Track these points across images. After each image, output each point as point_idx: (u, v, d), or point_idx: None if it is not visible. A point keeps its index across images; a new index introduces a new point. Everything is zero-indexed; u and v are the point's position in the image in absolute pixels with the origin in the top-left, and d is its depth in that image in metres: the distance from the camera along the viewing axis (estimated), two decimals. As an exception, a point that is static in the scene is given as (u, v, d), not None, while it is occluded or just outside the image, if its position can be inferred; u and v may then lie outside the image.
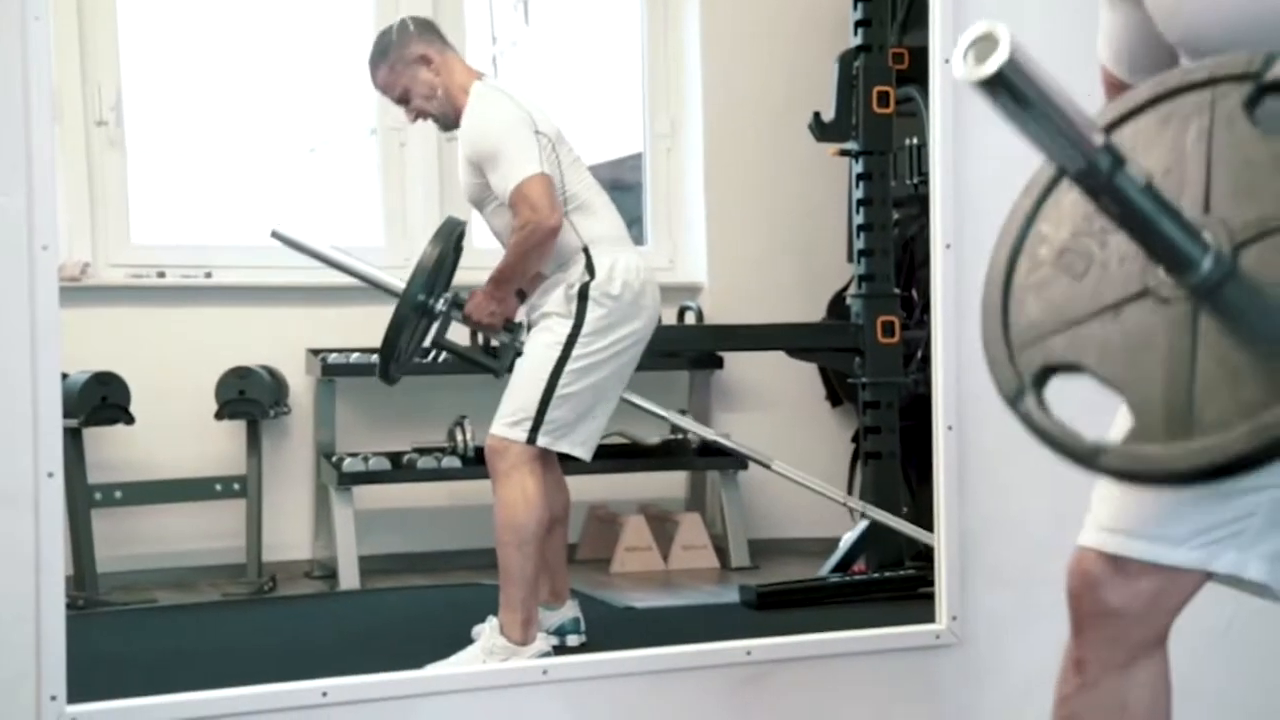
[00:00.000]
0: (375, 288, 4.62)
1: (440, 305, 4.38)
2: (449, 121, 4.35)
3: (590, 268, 4.19)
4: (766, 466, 5.34)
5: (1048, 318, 2.06)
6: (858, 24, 5.45)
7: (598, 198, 4.39)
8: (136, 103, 5.98)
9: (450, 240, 4.40)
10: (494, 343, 4.55)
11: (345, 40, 6.27)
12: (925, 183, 3.85)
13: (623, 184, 6.85)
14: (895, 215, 5.50)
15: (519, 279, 4.26)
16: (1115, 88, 2.41)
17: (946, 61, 3.74)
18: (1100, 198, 1.87)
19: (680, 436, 6.13)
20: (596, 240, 4.25)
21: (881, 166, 5.50)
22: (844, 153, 5.66)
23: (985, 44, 1.73)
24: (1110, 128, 2.10)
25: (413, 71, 4.32)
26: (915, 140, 5.34)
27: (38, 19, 3.07)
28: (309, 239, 4.62)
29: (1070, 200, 2.00)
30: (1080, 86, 2.19)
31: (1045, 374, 2.04)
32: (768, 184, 6.56)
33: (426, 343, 4.52)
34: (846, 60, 5.55)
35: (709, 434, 5.58)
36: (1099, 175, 1.84)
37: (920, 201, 4.25)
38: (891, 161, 5.51)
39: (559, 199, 4.17)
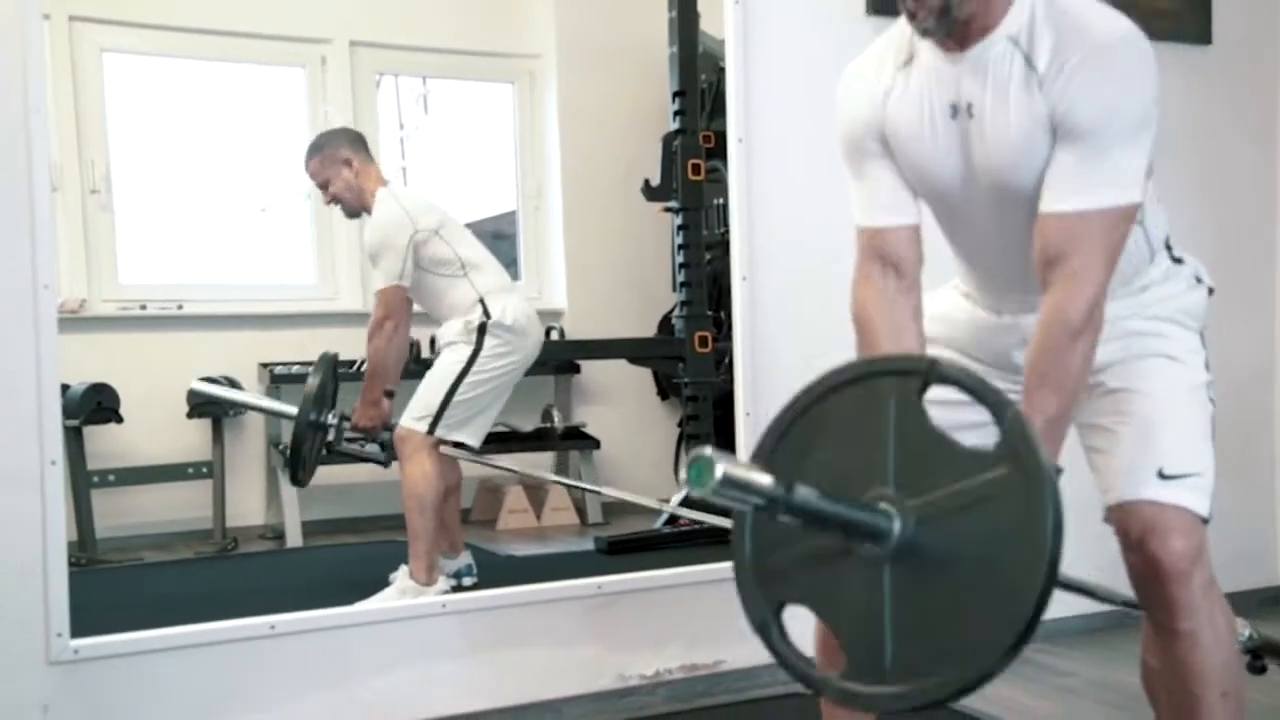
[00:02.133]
0: (275, 416, 4.71)
1: (331, 419, 4.38)
2: (353, 211, 4.35)
3: (486, 311, 4.19)
4: (597, 492, 5.38)
5: (784, 565, 2.00)
6: (676, 113, 5.46)
7: (484, 257, 4.36)
8: (122, 174, 5.91)
9: (328, 370, 4.41)
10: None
11: (284, 124, 6.23)
12: (727, 231, 3.86)
13: (502, 234, 6.83)
14: (707, 256, 5.50)
15: (382, 378, 4.29)
16: (870, 252, 2.31)
17: (739, 140, 3.79)
18: (789, 515, 1.84)
19: (548, 425, 6.13)
20: (489, 291, 4.25)
21: (696, 220, 5.52)
22: (668, 209, 5.68)
23: (706, 464, 1.71)
24: (819, 397, 2.04)
25: (337, 169, 4.28)
26: (720, 200, 5.37)
27: (37, 112, 3.04)
28: (220, 391, 4.86)
29: None
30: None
31: (780, 606, 2.00)
32: (611, 233, 6.56)
33: (330, 447, 4.51)
34: (668, 140, 5.58)
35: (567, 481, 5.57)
36: (778, 505, 1.81)
37: (724, 245, 4.27)
38: (703, 216, 5.52)
39: (403, 306, 4.26)
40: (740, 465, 1.73)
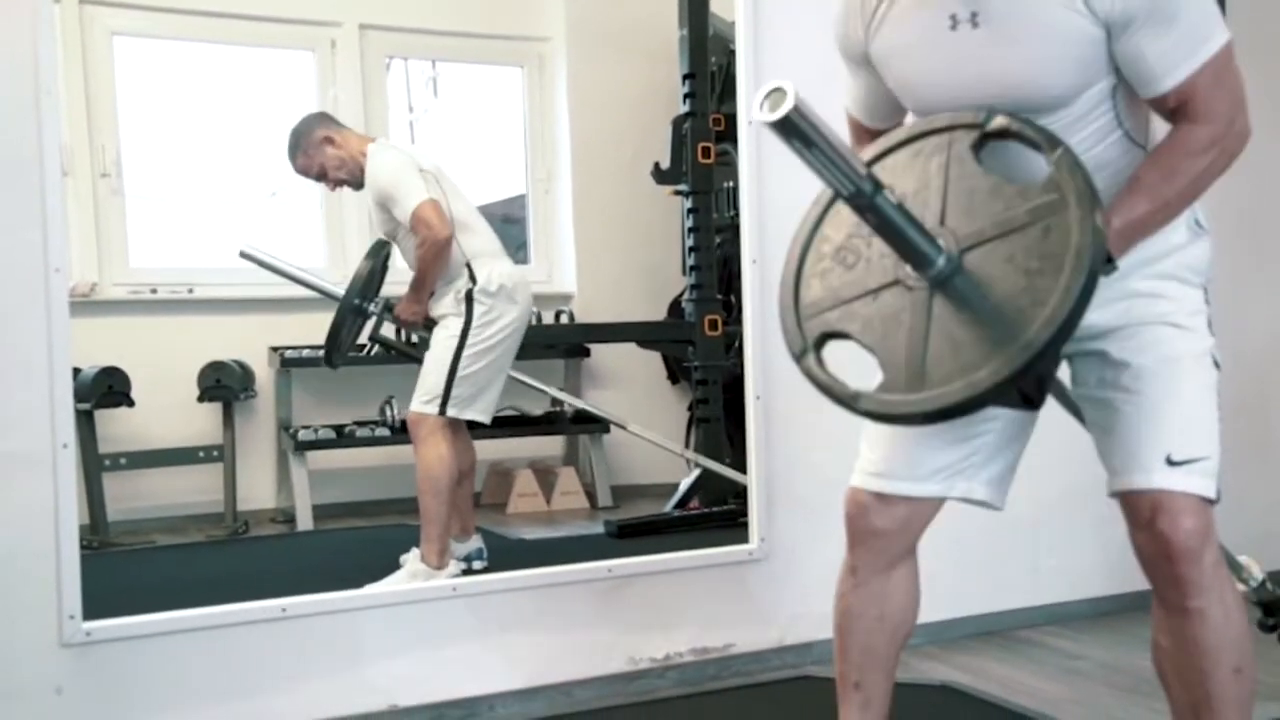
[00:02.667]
0: (321, 294, 4.58)
1: (372, 308, 4.35)
2: (358, 182, 4.30)
3: (472, 276, 4.17)
4: (623, 428, 5.35)
5: (826, 297, 2.11)
6: (686, 95, 5.45)
7: (474, 219, 4.35)
8: (132, 158, 5.91)
9: (379, 257, 4.37)
10: (413, 338, 4.55)
11: (294, 107, 6.22)
12: (737, 215, 3.85)
13: (512, 218, 6.83)
14: (716, 240, 5.50)
15: (430, 284, 4.22)
16: (861, 131, 2.40)
17: (750, 123, 3.79)
18: (865, 213, 1.92)
19: (559, 409, 6.13)
20: (476, 254, 4.23)
21: (706, 203, 5.50)
22: (678, 193, 5.67)
23: (777, 95, 1.77)
24: (874, 161, 2.15)
25: (321, 151, 4.28)
26: (730, 183, 5.36)
27: (48, 94, 3.04)
28: (271, 257, 4.59)
29: (845, 212, 2.03)
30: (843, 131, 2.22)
31: (823, 339, 2.09)
32: (621, 217, 6.55)
33: (364, 338, 4.54)
34: (678, 123, 5.57)
35: (581, 404, 5.57)
36: (864, 197, 1.88)
37: (734, 229, 4.28)
38: (713, 199, 5.51)
39: (447, 216, 4.16)
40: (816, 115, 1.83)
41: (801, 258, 2.17)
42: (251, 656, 3.31)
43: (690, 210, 5.55)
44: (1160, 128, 2.16)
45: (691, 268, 5.57)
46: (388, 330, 4.56)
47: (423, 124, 6.85)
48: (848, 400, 2.03)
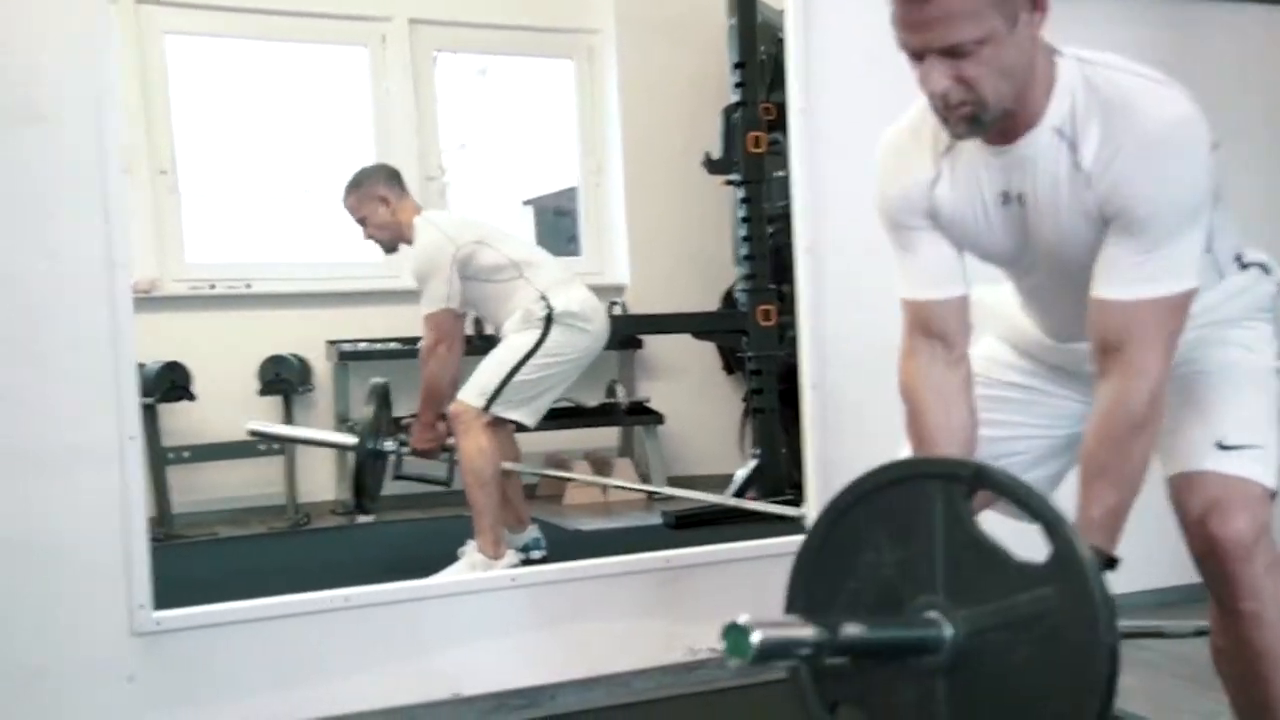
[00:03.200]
0: (336, 448, 4.90)
1: (389, 445, 4.47)
2: (390, 247, 4.42)
3: (549, 305, 4.21)
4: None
5: (840, 666, 1.96)
6: (736, 85, 5.44)
7: (536, 254, 4.43)
8: (188, 156, 5.99)
9: (380, 400, 4.54)
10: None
11: (347, 102, 6.28)
12: (789, 203, 3.85)
13: (563, 210, 6.87)
14: (769, 229, 5.49)
15: (435, 402, 4.33)
16: (916, 325, 2.28)
17: (801, 111, 3.77)
18: (839, 655, 1.83)
19: (613, 400, 6.15)
20: (549, 286, 4.27)
21: (757, 192, 5.49)
22: (729, 183, 5.66)
23: (739, 632, 1.71)
24: (867, 494, 2.01)
25: (373, 206, 4.35)
26: (781, 172, 5.35)
27: (109, 93, 3.09)
28: (278, 428, 5.02)
29: None
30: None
31: (835, 706, 1.99)
32: (673, 207, 6.56)
33: (390, 478, 4.64)
34: (729, 112, 5.57)
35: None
36: (828, 649, 1.81)
37: (785, 218, 4.26)
38: (764, 188, 5.49)
39: (451, 329, 4.29)
40: (777, 625, 1.74)
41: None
42: (315, 646, 3.35)
43: (742, 200, 5.55)
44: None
45: (744, 257, 5.57)
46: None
47: (472, 118, 6.87)
48: None
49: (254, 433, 4.79)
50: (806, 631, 1.76)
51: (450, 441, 4.32)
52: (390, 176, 4.46)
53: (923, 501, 1.90)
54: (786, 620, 1.82)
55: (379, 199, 4.35)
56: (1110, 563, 1.96)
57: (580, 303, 4.28)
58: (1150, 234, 1.96)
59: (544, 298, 4.22)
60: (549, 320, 4.20)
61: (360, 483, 4.47)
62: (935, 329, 2.22)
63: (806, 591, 2.02)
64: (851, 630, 1.79)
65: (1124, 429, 2.00)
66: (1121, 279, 2.00)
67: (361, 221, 4.38)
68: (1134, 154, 1.95)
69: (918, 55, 1.95)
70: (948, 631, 1.82)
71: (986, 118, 1.98)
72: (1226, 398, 2.17)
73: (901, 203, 2.21)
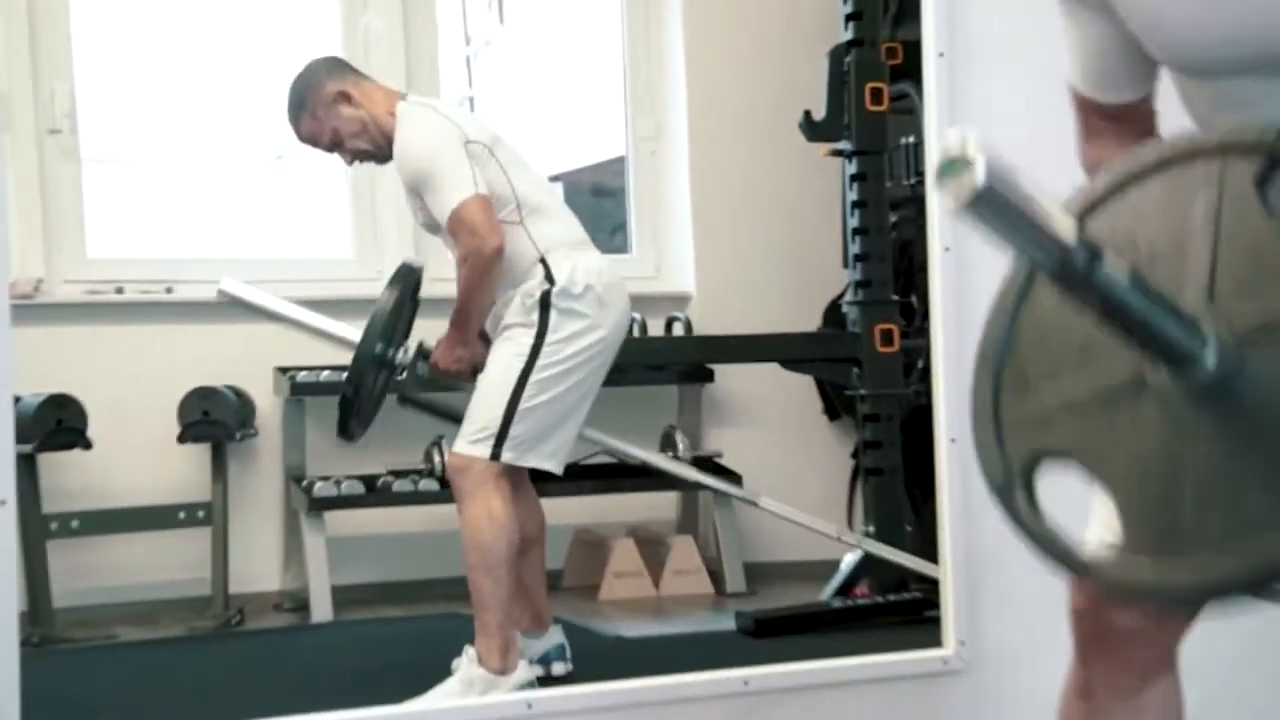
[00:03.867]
0: (333, 339, 4.68)
1: (401, 356, 4.44)
2: (385, 153, 4.36)
3: (549, 276, 4.17)
4: (753, 503, 5.36)
5: (1040, 404, 2.02)
6: (848, 18, 5.46)
7: (549, 199, 4.44)
8: (92, 110, 5.98)
9: (407, 286, 4.47)
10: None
11: (312, 41, 6.28)
12: (923, 183, 3.84)
13: (605, 189, 6.88)
14: (892, 218, 5.50)
15: (478, 315, 4.29)
16: (1091, 113, 2.38)
17: (940, 55, 3.76)
18: (1079, 293, 1.81)
19: (671, 453, 6.12)
20: (553, 246, 4.24)
21: (877, 166, 5.49)
22: (837, 153, 5.67)
23: (960, 164, 1.68)
24: (1105, 197, 2.05)
25: (335, 111, 4.33)
26: (911, 138, 5.31)
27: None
28: (256, 295, 4.70)
29: None
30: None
31: (1035, 461, 1.99)
32: (757, 187, 6.56)
33: (400, 394, 4.66)
34: (838, 56, 5.56)
35: (688, 472, 5.55)
36: (1076, 274, 1.78)
37: (918, 203, 4.26)
38: (887, 161, 5.51)
39: (496, 219, 4.17)
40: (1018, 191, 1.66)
41: (1002, 344, 2.10)
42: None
43: (855, 177, 5.55)
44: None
45: (856, 258, 5.56)
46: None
47: (482, 61, 6.90)
48: (1075, 565, 1.94)
49: (223, 292, 4.71)
50: (1066, 222, 1.70)
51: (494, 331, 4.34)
52: (336, 65, 4.52)
53: (1197, 186, 1.95)
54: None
55: (336, 97, 4.35)
56: None
57: (590, 274, 4.25)
58: None
59: (542, 261, 4.19)
60: (545, 304, 4.17)
61: (351, 398, 4.42)
62: (1113, 116, 2.33)
63: None
64: (1114, 265, 1.74)
65: None
66: None
67: (333, 144, 4.38)
68: None
69: None
70: (1212, 343, 1.80)
71: None
72: None
73: None
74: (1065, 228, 1.74)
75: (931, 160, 3.90)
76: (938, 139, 3.82)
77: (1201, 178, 1.95)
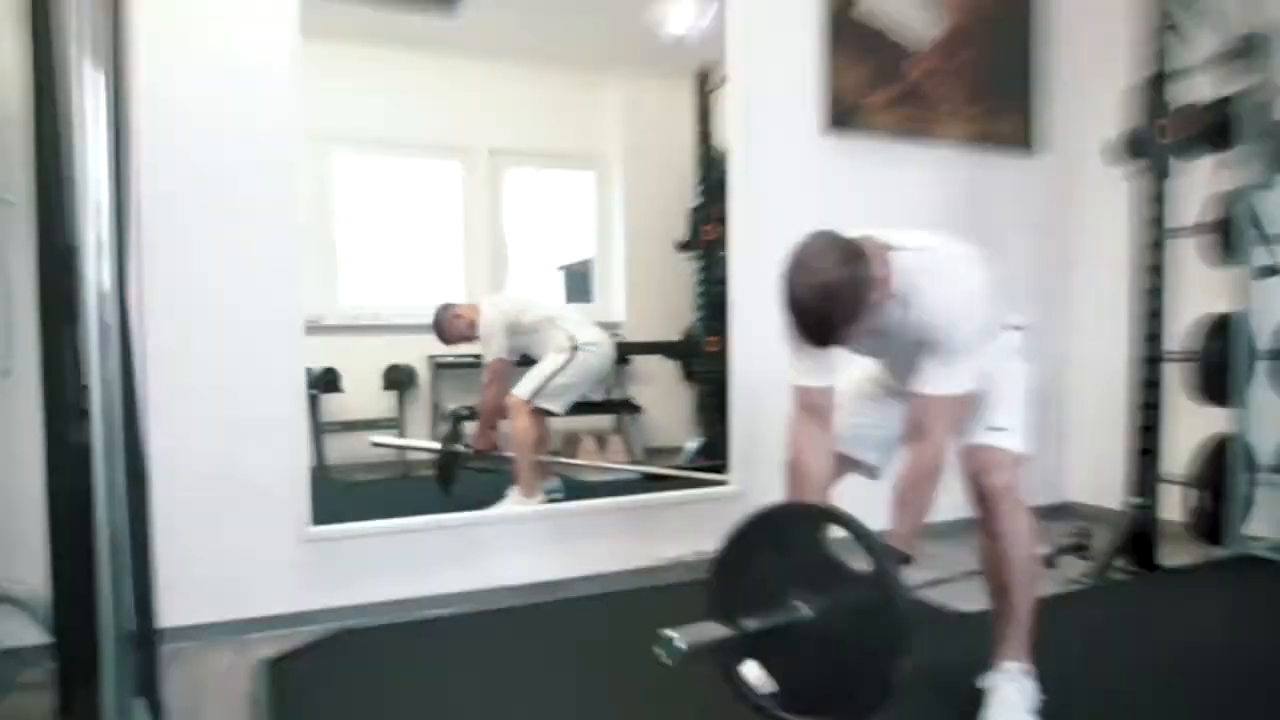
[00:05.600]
0: (428, 452, 4.78)
1: (461, 447, 4.54)
2: (474, 337, 4.50)
3: (574, 339, 4.32)
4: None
5: (736, 641, 1.96)
6: (698, 194, 5.42)
7: (565, 311, 4.52)
8: (345, 232, 5.94)
9: (454, 422, 4.65)
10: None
11: (446, 202, 6.29)
12: (726, 274, 3.85)
13: (584, 272, 6.82)
14: (715, 288, 5.29)
15: (490, 417, 4.40)
16: (803, 398, 2.24)
17: (735, 217, 3.82)
18: (738, 654, 1.90)
19: (610, 397, 6.08)
20: (574, 328, 4.39)
21: (709, 264, 5.36)
22: (692, 257, 5.60)
23: (669, 645, 1.75)
24: (761, 522, 2.04)
25: (453, 325, 4.59)
26: (724, 252, 5.31)
27: (293, 199, 3.12)
28: (396, 440, 4.99)
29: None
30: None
31: (739, 661, 2.00)
32: (656, 271, 6.39)
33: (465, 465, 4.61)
34: (693, 212, 5.54)
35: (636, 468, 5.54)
36: (733, 642, 1.87)
37: (724, 283, 4.28)
38: (713, 263, 5.30)
39: (505, 371, 4.32)
40: (696, 631, 1.76)
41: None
42: (417, 551, 3.44)
43: (699, 269, 5.56)
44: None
45: (699, 306, 5.57)
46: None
47: (527, 210, 6.84)
48: (768, 711, 1.90)
49: (376, 444, 4.86)
50: (719, 632, 1.82)
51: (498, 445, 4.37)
52: (444, 308, 4.60)
53: (793, 532, 1.94)
54: (704, 626, 1.83)
55: (455, 318, 4.51)
56: (907, 560, 2.00)
57: (595, 338, 4.37)
58: (941, 354, 2.06)
59: (571, 336, 4.31)
60: (575, 349, 4.29)
61: (444, 473, 4.50)
62: (814, 405, 2.22)
63: (720, 596, 2.01)
64: (749, 624, 1.85)
65: (923, 478, 2.07)
66: (928, 381, 2.08)
67: (461, 339, 4.53)
68: (929, 309, 2.06)
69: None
70: (808, 613, 1.88)
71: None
72: (994, 400, 2.25)
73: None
74: (721, 633, 1.81)
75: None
76: (732, 256, 3.92)
77: (798, 523, 1.97)
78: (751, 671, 1.91)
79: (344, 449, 5.67)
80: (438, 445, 4.57)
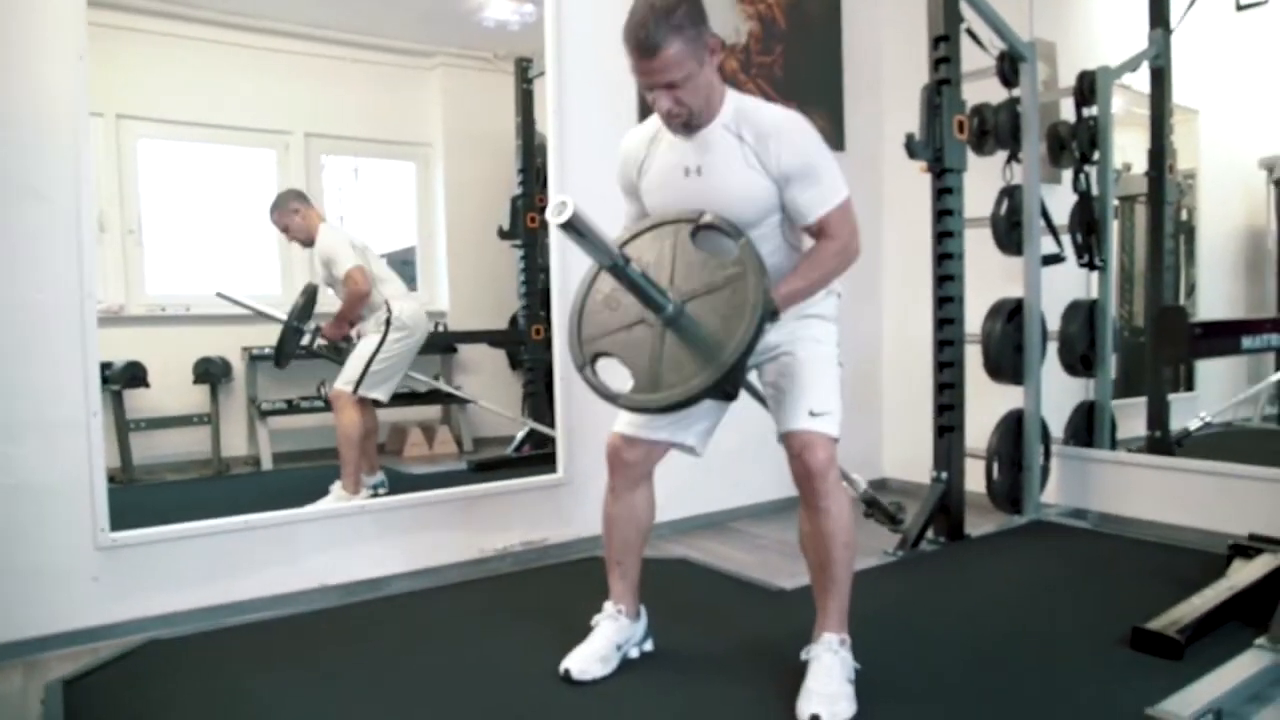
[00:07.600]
0: (272, 319, 4.51)
1: (306, 327, 4.37)
2: (307, 242, 4.35)
3: (389, 310, 4.14)
4: (474, 402, 5.35)
5: (597, 330, 2.15)
6: (520, 182, 5.37)
7: (390, 273, 4.40)
8: (150, 221, 5.64)
9: (309, 296, 4.42)
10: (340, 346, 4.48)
11: (259, 188, 6.03)
12: (549, 261, 3.86)
13: (407, 260, 6.69)
14: (540, 277, 5.41)
15: (348, 318, 4.28)
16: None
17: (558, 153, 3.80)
18: (619, 278, 1.96)
19: (437, 388, 6.05)
20: (392, 297, 4.27)
21: (532, 253, 5.37)
22: (515, 246, 5.57)
23: (562, 205, 1.81)
24: (627, 241, 2.20)
25: (290, 216, 4.34)
26: (547, 240, 5.33)
27: (86, 181, 2.94)
28: (239, 297, 4.60)
29: (608, 275, 2.08)
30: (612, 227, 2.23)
31: (595, 357, 2.13)
32: (479, 260, 6.42)
33: (302, 345, 4.48)
34: (515, 200, 5.50)
35: (448, 388, 5.54)
36: (618, 269, 1.92)
37: (548, 270, 4.28)
38: (536, 250, 5.34)
39: (369, 276, 4.15)
40: (589, 220, 1.88)
41: (581, 303, 2.23)
42: (228, 554, 3.27)
43: (522, 258, 5.52)
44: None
45: (523, 295, 5.54)
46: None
47: (347, 199, 6.66)
48: (611, 397, 2.11)
49: (220, 295, 4.65)
50: (607, 240, 1.94)
51: (353, 333, 4.26)
52: (298, 195, 4.44)
53: (669, 234, 2.13)
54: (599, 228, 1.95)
55: (292, 210, 4.33)
56: (775, 315, 2.15)
57: (409, 313, 4.28)
58: (807, 174, 2.19)
59: (386, 303, 4.18)
60: (388, 324, 4.17)
61: (281, 346, 4.40)
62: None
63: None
64: (634, 268, 1.99)
65: (820, 257, 2.24)
66: (806, 211, 2.21)
67: (284, 229, 4.33)
68: (781, 139, 2.17)
69: (650, 89, 2.15)
70: (670, 304, 2.03)
71: (694, 121, 2.18)
72: (811, 380, 2.31)
73: (623, 176, 2.38)
74: (615, 247, 1.93)
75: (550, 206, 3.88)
76: (555, 242, 3.90)
77: (669, 232, 2.12)
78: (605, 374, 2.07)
79: (152, 448, 5.40)
80: (282, 316, 4.42)
